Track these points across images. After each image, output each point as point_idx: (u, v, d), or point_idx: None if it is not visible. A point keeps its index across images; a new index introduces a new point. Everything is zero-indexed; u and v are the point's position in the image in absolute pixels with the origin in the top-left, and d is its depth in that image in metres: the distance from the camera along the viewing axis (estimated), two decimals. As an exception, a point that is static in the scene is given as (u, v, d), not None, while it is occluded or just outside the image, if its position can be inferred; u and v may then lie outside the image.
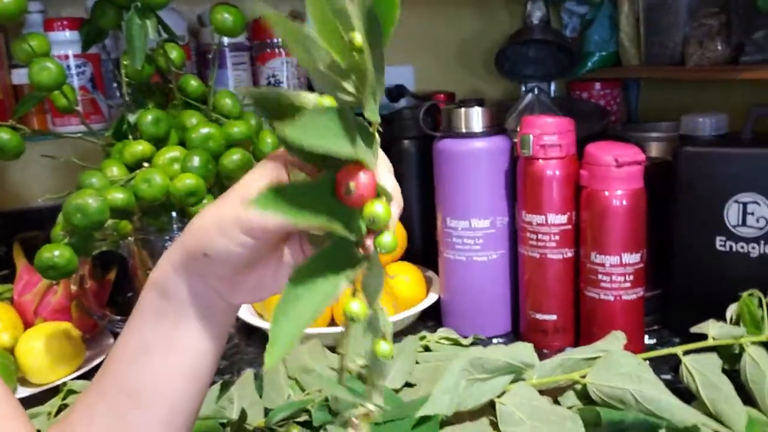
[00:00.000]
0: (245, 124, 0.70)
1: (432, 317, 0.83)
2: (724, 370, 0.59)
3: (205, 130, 0.65)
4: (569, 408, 0.59)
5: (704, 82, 0.92)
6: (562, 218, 0.72)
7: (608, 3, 1.02)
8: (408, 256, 0.91)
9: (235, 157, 0.67)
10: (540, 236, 0.73)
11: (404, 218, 0.90)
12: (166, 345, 0.37)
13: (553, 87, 1.10)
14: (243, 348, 0.81)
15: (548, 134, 0.70)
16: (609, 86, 1.09)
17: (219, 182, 0.67)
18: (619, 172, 0.67)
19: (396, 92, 1.06)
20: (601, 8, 1.03)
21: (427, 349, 0.72)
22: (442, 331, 0.74)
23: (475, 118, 0.75)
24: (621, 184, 0.67)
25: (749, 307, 0.61)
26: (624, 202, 0.68)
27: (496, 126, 0.76)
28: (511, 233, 0.77)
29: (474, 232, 0.76)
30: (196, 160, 0.62)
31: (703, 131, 0.73)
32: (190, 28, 0.95)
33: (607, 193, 0.68)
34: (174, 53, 0.70)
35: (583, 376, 0.59)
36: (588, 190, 0.69)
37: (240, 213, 0.33)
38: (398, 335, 0.76)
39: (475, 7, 1.18)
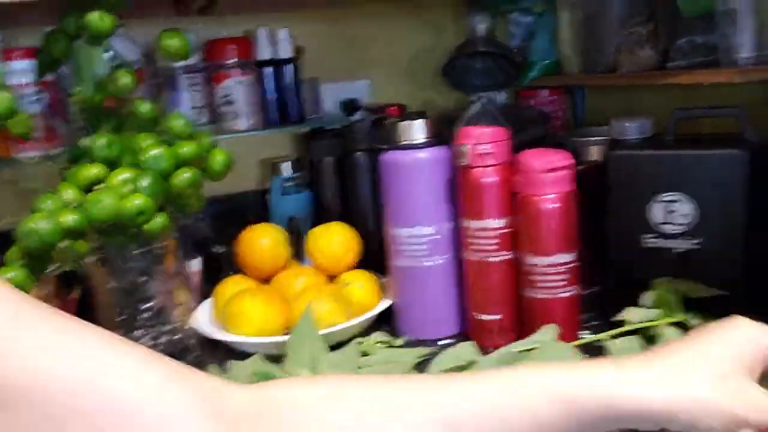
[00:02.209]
0: (195, 144, 0.73)
1: (388, 322, 0.87)
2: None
3: (155, 152, 0.68)
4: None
5: (637, 87, 0.97)
6: (500, 222, 0.76)
7: (549, 14, 1.07)
8: (365, 263, 0.94)
9: (185, 175, 0.70)
10: (480, 240, 0.76)
11: (360, 227, 0.95)
12: None
13: (501, 95, 1.15)
14: (206, 361, 0.84)
15: (483, 144, 0.74)
16: (555, 93, 1.14)
17: (170, 200, 0.70)
18: (549, 177, 0.71)
19: (350, 106, 1.10)
20: (543, 19, 1.07)
21: (366, 353, 0.75)
22: (377, 335, 0.78)
23: (417, 130, 0.79)
24: (551, 188, 0.72)
25: (664, 293, 0.65)
26: (555, 206, 0.72)
27: (437, 137, 0.80)
28: (456, 238, 0.81)
29: (420, 238, 0.80)
30: (145, 181, 0.65)
31: (630, 135, 0.78)
32: (146, 51, 0.98)
33: (538, 197, 0.72)
34: (125, 79, 0.73)
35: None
36: (521, 195, 0.73)
37: None
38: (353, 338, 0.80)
39: (424, 21, 1.22)
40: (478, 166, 0.75)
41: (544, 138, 1.03)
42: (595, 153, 0.96)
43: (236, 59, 0.97)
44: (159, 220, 0.70)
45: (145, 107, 0.74)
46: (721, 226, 0.70)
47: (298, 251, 0.97)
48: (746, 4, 0.76)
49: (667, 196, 0.73)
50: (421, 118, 0.80)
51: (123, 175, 0.67)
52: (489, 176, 0.75)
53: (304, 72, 1.11)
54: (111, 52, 0.74)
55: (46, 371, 0.30)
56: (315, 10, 1.14)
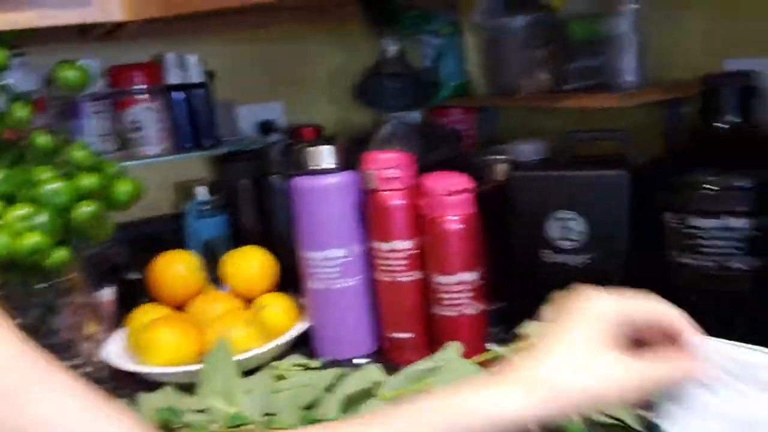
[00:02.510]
0: (98, 175, 0.72)
1: (306, 344, 0.88)
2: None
3: (52, 186, 0.67)
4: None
5: (539, 108, 1.02)
6: (408, 244, 0.78)
7: (457, 37, 1.11)
8: (284, 286, 0.95)
9: (86, 209, 0.69)
10: (390, 261, 0.79)
11: (278, 249, 0.96)
12: None
13: (415, 114, 1.18)
14: (117, 393, 0.82)
15: (389, 168, 0.76)
16: (466, 112, 1.18)
17: (72, 233, 0.69)
18: (452, 199, 0.74)
19: (266, 128, 1.11)
20: (451, 41, 1.11)
21: (282, 377, 0.76)
22: (292, 358, 0.79)
23: (325, 155, 0.81)
24: (454, 210, 0.74)
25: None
26: (458, 226, 0.75)
27: (346, 162, 0.82)
28: (367, 260, 0.83)
29: (332, 261, 0.82)
30: (41, 217, 0.64)
31: (529, 156, 0.82)
32: (49, 78, 0.95)
33: (442, 219, 0.75)
34: (21, 112, 0.72)
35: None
36: (427, 218, 0.76)
37: None
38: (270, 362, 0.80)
39: (338, 42, 1.25)
40: (385, 190, 0.77)
41: (456, 156, 1.07)
42: (501, 172, 1.00)
43: (143, 85, 0.96)
44: (59, 255, 0.68)
45: (42, 139, 0.73)
46: (608, 242, 0.74)
47: (215, 276, 0.97)
48: (630, 31, 0.82)
49: (562, 214, 0.77)
50: (330, 143, 0.82)
51: (19, 211, 0.66)
52: (396, 199, 0.77)
53: (219, 94, 1.11)
54: (7, 83, 0.72)
55: None
56: (229, 32, 1.14)
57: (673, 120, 0.85)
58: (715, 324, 0.62)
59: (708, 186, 0.66)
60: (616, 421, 0.63)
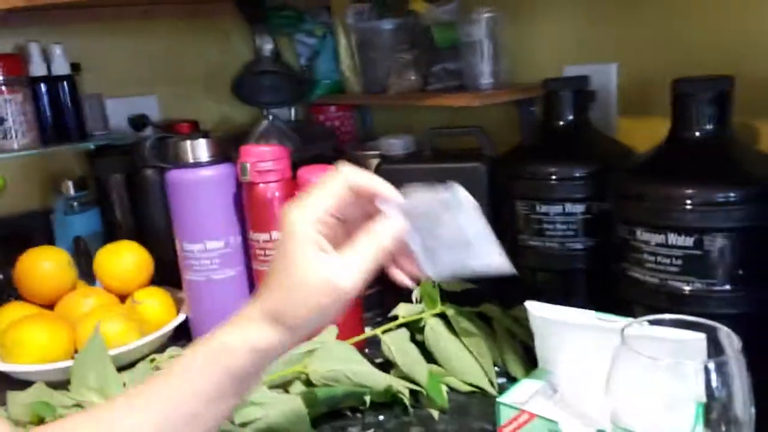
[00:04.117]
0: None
1: (185, 336, 0.88)
2: (413, 340, 0.73)
3: None
4: (297, 394, 0.68)
5: (409, 106, 1.08)
6: (285, 234, 0.81)
7: (331, 37, 1.15)
8: (160, 280, 0.95)
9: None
10: (267, 252, 0.81)
11: (153, 244, 0.96)
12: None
13: (291, 111, 1.21)
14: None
15: (264, 161, 0.79)
16: (342, 109, 1.22)
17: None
18: (325, 190, 0.78)
19: (139, 122, 1.09)
20: (325, 41, 1.16)
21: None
22: (171, 350, 0.80)
23: (201, 148, 0.82)
24: (328, 200, 0.79)
25: (427, 289, 0.76)
26: (332, 216, 0.79)
27: (222, 155, 0.84)
28: (245, 251, 0.85)
29: (210, 253, 0.83)
30: None
31: (396, 150, 0.88)
32: None
33: (317, 209, 0.79)
34: None
35: (306, 366, 0.69)
36: (302, 208, 0.80)
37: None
38: (149, 356, 0.80)
39: (215, 38, 1.25)
40: (261, 183, 0.80)
41: (332, 151, 1.11)
42: (373, 165, 1.06)
43: (3, 76, 0.92)
44: None
45: None
46: (469, 228, 0.82)
47: (87, 272, 0.95)
48: (486, 38, 0.90)
49: (428, 204, 0.83)
50: (205, 137, 0.83)
51: None
52: (272, 191, 0.80)
53: (89, 87, 1.08)
54: None
55: None
56: (101, 23, 1.11)
57: (524, 118, 0.94)
58: (558, 296, 0.71)
59: (551, 176, 0.75)
60: (474, 388, 0.70)
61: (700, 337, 0.41)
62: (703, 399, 0.38)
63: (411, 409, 0.67)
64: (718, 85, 0.62)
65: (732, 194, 0.58)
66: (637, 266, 0.64)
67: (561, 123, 0.78)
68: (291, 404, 0.64)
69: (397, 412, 0.67)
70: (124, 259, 0.92)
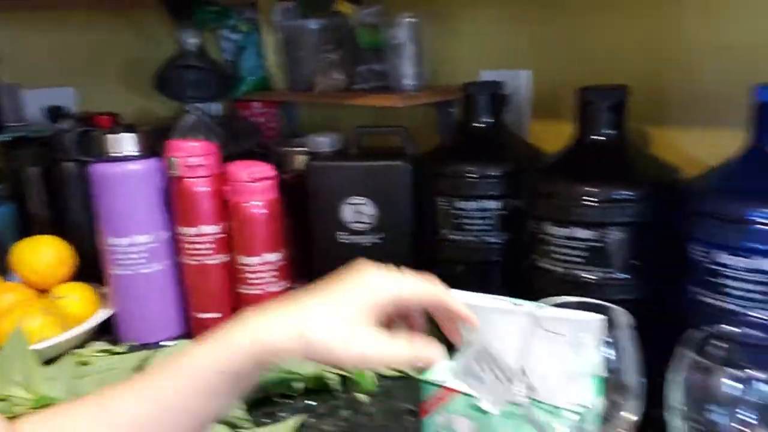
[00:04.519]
0: None
1: (110, 331, 0.88)
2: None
3: None
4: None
5: (335, 105, 1.11)
6: (215, 228, 0.83)
7: (256, 33, 1.16)
8: (82, 275, 0.93)
9: None
10: (197, 246, 0.83)
11: (74, 238, 0.94)
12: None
13: (216, 106, 1.21)
14: None
15: (193, 156, 0.80)
16: (268, 105, 1.24)
17: None
18: (255, 186, 0.80)
19: (56, 113, 1.06)
20: (250, 37, 1.17)
21: (86, 363, 0.77)
22: (97, 345, 0.79)
23: (126, 142, 0.82)
24: (257, 196, 0.81)
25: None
26: (262, 211, 0.81)
27: (148, 149, 0.84)
28: (173, 245, 0.86)
29: (137, 247, 0.83)
30: None
31: (324, 148, 0.91)
32: None
33: (245, 204, 0.81)
34: None
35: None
36: (231, 203, 0.81)
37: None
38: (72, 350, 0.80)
39: (136, 31, 1.23)
40: (190, 177, 0.81)
41: (258, 147, 1.12)
42: (300, 162, 1.09)
43: None
44: None
45: None
46: (395, 224, 0.86)
47: (3, 267, 0.92)
48: (409, 42, 0.94)
49: (354, 200, 0.87)
50: (131, 130, 0.83)
51: None
52: (200, 186, 0.81)
53: (4, 77, 1.04)
54: None
55: None
56: (18, 13, 1.07)
57: (443, 119, 1.00)
58: (476, 286, 0.77)
59: (468, 174, 0.80)
60: (400, 373, 0.74)
61: (599, 317, 0.46)
62: (602, 372, 0.44)
63: (340, 394, 0.71)
64: (616, 94, 0.69)
65: (627, 193, 0.65)
66: (545, 258, 0.70)
67: (478, 125, 0.84)
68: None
69: (326, 397, 0.71)
70: (44, 253, 0.90)
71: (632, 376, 0.44)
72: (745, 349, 0.42)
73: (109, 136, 0.82)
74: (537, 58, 0.90)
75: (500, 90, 0.84)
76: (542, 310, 0.48)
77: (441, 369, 0.61)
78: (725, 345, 0.42)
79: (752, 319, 0.57)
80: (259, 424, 0.65)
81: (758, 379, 0.39)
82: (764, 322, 0.56)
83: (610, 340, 0.44)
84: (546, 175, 0.72)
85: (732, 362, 0.40)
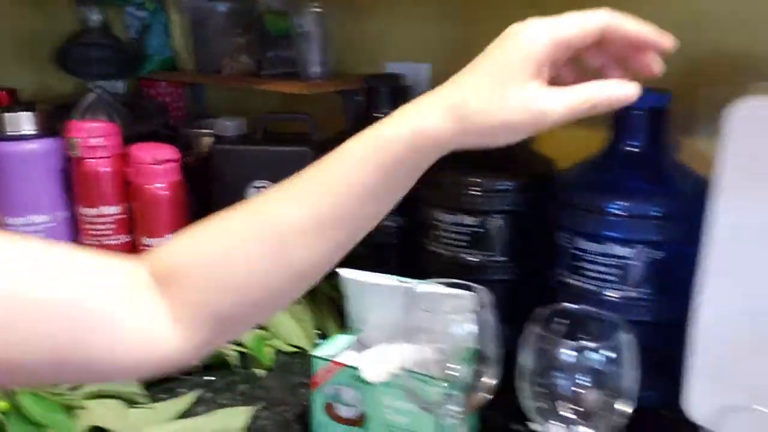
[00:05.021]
0: None
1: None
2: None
3: None
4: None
5: (244, 88, 1.13)
6: (116, 209, 0.83)
7: (162, 12, 1.15)
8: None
9: None
10: (97, 226, 0.83)
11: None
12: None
13: (120, 84, 1.19)
14: None
15: (94, 137, 0.80)
16: (174, 85, 1.23)
17: None
18: (158, 168, 0.82)
19: (-54, 87, 1.02)
20: (156, 16, 1.15)
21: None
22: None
23: (24, 121, 0.81)
24: (160, 178, 0.82)
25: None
26: (164, 193, 0.82)
27: (47, 128, 0.83)
28: (73, 225, 0.85)
29: (35, 227, 0.83)
30: None
31: (230, 132, 0.93)
32: None
33: (148, 186, 0.82)
34: None
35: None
36: (134, 184, 0.82)
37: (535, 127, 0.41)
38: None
39: (36, 6, 1.19)
40: (91, 158, 0.81)
41: (163, 128, 1.12)
42: (206, 145, 1.09)
43: None
44: None
45: None
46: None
47: None
48: (315, 30, 0.97)
49: (258, 183, 0.89)
50: (30, 109, 0.82)
51: None
52: (102, 167, 0.82)
53: None
54: None
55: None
56: None
57: (349, 106, 1.03)
58: (372, 267, 0.82)
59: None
60: (297, 349, 0.79)
61: (468, 295, 0.52)
62: (470, 344, 0.50)
63: (240, 370, 0.74)
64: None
65: (507, 184, 0.72)
66: (435, 242, 0.76)
67: (379, 116, 0.87)
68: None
69: (225, 373, 0.74)
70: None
71: (492, 347, 0.50)
72: (582, 324, 0.48)
73: (6, 114, 0.80)
74: (437, 52, 0.95)
75: (400, 83, 0.88)
76: (420, 287, 0.54)
77: (331, 344, 0.66)
78: (565, 320, 0.48)
79: (605, 297, 0.65)
80: (156, 400, 0.68)
81: (590, 349, 0.45)
82: (615, 300, 0.65)
83: (476, 315, 0.50)
84: (437, 165, 0.77)
85: (571, 335, 0.46)
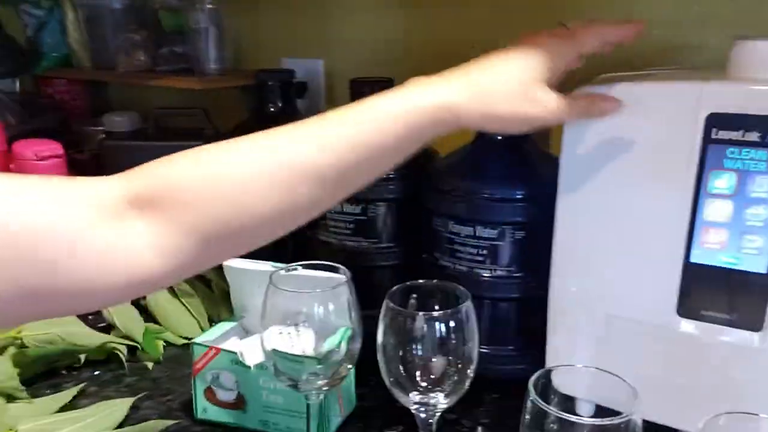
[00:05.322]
0: None
1: None
2: (136, 304, 0.79)
3: None
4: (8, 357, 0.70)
5: (138, 85, 1.12)
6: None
7: (58, 9, 1.13)
8: None
9: None
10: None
11: None
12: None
13: (14, 83, 1.17)
14: None
15: (-26, 134, 0.79)
16: (72, 83, 1.21)
17: None
18: (41, 164, 0.81)
19: None
20: (53, 13, 1.13)
21: None
22: None
23: None
24: (43, 173, 0.81)
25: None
26: (51, 189, 0.81)
27: (-75, 125, 0.81)
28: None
29: None
30: None
31: (122, 127, 0.92)
32: None
33: (33, 182, 0.81)
34: None
35: (20, 332, 0.72)
36: (18, 181, 0.81)
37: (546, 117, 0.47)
38: None
39: None
40: (-29, 155, 0.79)
41: (58, 125, 1.10)
42: (99, 141, 1.08)
43: None
44: None
45: None
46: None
47: None
48: (211, 26, 0.98)
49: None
50: None
51: None
52: (-17, 164, 0.80)
53: None
54: None
55: None
56: None
57: (248, 101, 1.04)
58: (267, 257, 0.83)
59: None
60: (188, 341, 0.79)
61: (337, 276, 0.55)
62: (341, 322, 0.52)
63: (131, 363, 0.74)
64: (381, 84, 0.78)
65: (391, 174, 0.75)
66: (323, 230, 0.79)
67: (272, 109, 0.90)
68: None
69: (113, 366, 0.74)
70: None
71: (356, 323, 0.53)
72: (434, 297, 0.52)
73: None
74: (329, 48, 0.98)
75: (289, 77, 0.90)
76: (292, 271, 0.56)
77: (214, 331, 0.67)
78: (416, 295, 0.51)
79: (478, 278, 0.69)
80: (40, 396, 0.67)
81: (436, 319, 0.49)
82: (486, 279, 0.68)
83: (341, 295, 0.52)
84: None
85: (422, 308, 0.50)
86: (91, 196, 0.39)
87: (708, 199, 0.54)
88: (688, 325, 0.56)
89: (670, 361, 0.57)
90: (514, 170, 0.68)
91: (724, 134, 0.52)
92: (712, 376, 0.56)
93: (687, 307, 0.56)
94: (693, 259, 0.55)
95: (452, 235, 0.69)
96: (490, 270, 0.68)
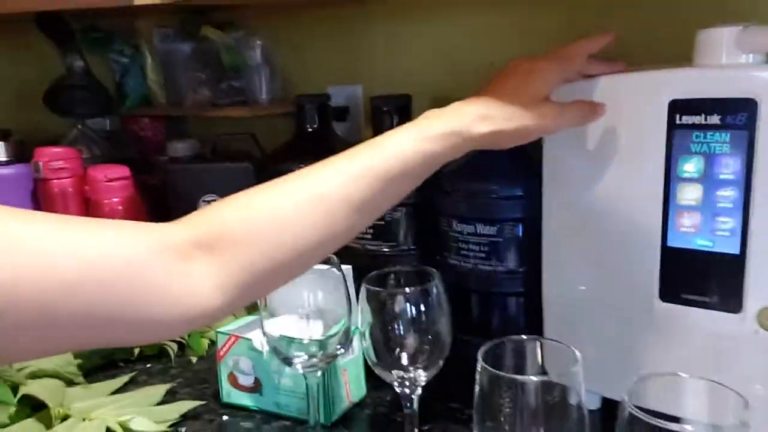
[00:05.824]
0: None
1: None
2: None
3: None
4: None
5: (207, 117, 1.25)
6: (78, 223, 0.94)
7: (139, 55, 1.29)
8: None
9: None
10: (62, 239, 0.94)
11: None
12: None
13: (107, 121, 1.33)
14: None
15: (55, 160, 0.92)
16: (154, 119, 1.36)
17: None
18: (111, 185, 0.93)
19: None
20: (134, 59, 1.30)
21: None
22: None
23: (-1, 150, 0.94)
24: (114, 193, 0.93)
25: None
26: (119, 207, 0.93)
27: (20, 157, 0.96)
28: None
29: (8, 242, 0.94)
30: None
31: (182, 153, 1.04)
32: None
33: (104, 201, 0.93)
34: None
35: None
36: (92, 200, 0.94)
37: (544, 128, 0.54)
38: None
39: (24, 55, 1.35)
40: (54, 179, 0.93)
41: (137, 155, 1.25)
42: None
43: None
44: None
45: None
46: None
47: None
48: (263, 62, 1.09)
49: (208, 197, 1.00)
50: (4, 139, 0.95)
51: None
52: (63, 187, 0.93)
53: None
54: None
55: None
56: None
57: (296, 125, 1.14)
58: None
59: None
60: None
61: (335, 270, 0.60)
62: (340, 311, 0.58)
63: (178, 358, 0.83)
64: (400, 101, 0.84)
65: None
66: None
67: (309, 130, 0.98)
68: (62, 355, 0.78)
69: (163, 360, 0.83)
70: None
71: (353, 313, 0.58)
72: (410, 280, 0.57)
73: (-19, 145, 0.93)
74: (366, 76, 1.05)
75: (326, 101, 0.98)
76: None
77: (240, 322, 0.74)
78: (394, 277, 0.56)
79: (481, 274, 0.72)
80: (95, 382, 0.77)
81: (413, 300, 0.53)
82: (488, 274, 0.71)
83: (343, 288, 0.58)
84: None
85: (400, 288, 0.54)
86: (161, 238, 0.42)
87: (680, 183, 0.55)
88: (669, 309, 0.57)
89: (653, 345, 0.58)
90: (513, 169, 0.71)
91: (687, 119, 0.54)
92: (694, 358, 0.56)
93: (668, 292, 0.57)
94: (670, 243, 0.56)
95: (455, 234, 0.73)
96: (491, 266, 0.71)
